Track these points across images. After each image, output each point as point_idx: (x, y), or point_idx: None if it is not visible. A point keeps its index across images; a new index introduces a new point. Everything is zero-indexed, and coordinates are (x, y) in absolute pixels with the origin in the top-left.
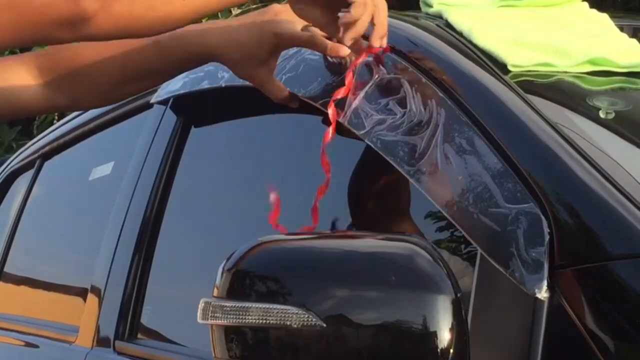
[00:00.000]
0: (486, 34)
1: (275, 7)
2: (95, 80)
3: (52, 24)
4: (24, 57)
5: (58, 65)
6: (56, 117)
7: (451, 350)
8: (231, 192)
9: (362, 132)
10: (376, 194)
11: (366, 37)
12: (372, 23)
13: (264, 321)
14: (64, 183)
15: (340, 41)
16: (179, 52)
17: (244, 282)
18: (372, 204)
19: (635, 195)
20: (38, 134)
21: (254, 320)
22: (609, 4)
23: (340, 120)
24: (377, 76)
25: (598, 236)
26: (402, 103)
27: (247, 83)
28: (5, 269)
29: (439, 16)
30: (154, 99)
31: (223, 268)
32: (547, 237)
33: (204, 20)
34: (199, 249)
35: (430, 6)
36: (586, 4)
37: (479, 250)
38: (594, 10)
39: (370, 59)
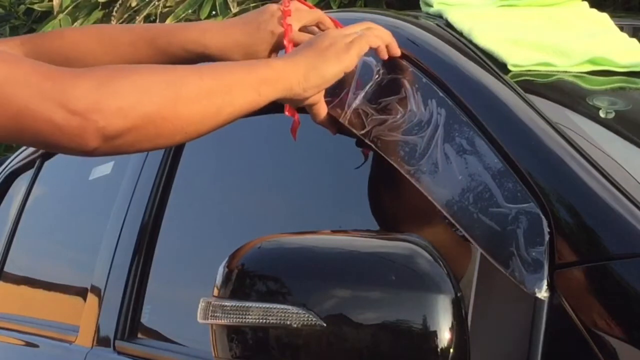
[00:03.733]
0: (486, 34)
1: (273, 6)
2: None
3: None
4: (9, 43)
5: (47, 55)
6: None
7: (451, 350)
8: (231, 191)
9: (363, 132)
10: (395, 194)
11: None
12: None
13: (264, 321)
14: (64, 183)
15: None
16: (178, 51)
17: (244, 282)
18: (392, 204)
19: (635, 195)
20: None
21: (254, 320)
22: (609, 4)
23: (341, 120)
24: (377, 76)
25: (598, 236)
26: (403, 103)
27: None
28: (5, 269)
29: (439, 16)
30: None
31: (223, 268)
32: (547, 237)
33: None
34: (199, 249)
35: (430, 6)
36: (586, 3)
37: (479, 250)
38: (594, 10)
39: (371, 58)
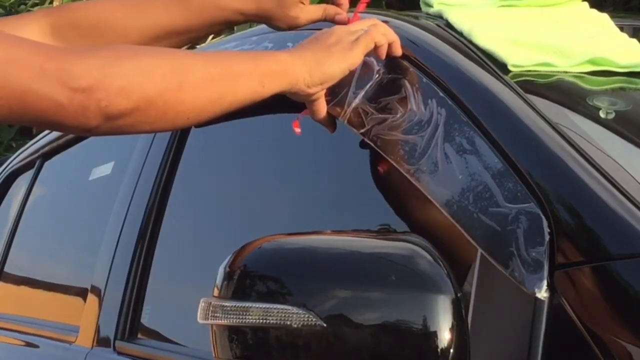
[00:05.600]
0: (486, 34)
1: None
2: (115, 42)
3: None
4: (35, 15)
5: (73, 25)
6: None
7: (451, 350)
8: (231, 191)
9: (362, 130)
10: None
11: None
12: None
13: (264, 321)
14: (64, 183)
15: None
16: (212, 10)
17: (244, 282)
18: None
19: (635, 195)
20: (38, 133)
21: (254, 320)
22: (609, 4)
23: (340, 119)
24: (377, 76)
25: (598, 236)
26: (403, 102)
27: None
28: (5, 269)
29: (439, 16)
30: None
31: (223, 268)
32: (547, 237)
33: None
34: (199, 249)
35: (430, 6)
36: (586, 4)
37: (479, 250)
38: (594, 10)
39: (372, 58)
